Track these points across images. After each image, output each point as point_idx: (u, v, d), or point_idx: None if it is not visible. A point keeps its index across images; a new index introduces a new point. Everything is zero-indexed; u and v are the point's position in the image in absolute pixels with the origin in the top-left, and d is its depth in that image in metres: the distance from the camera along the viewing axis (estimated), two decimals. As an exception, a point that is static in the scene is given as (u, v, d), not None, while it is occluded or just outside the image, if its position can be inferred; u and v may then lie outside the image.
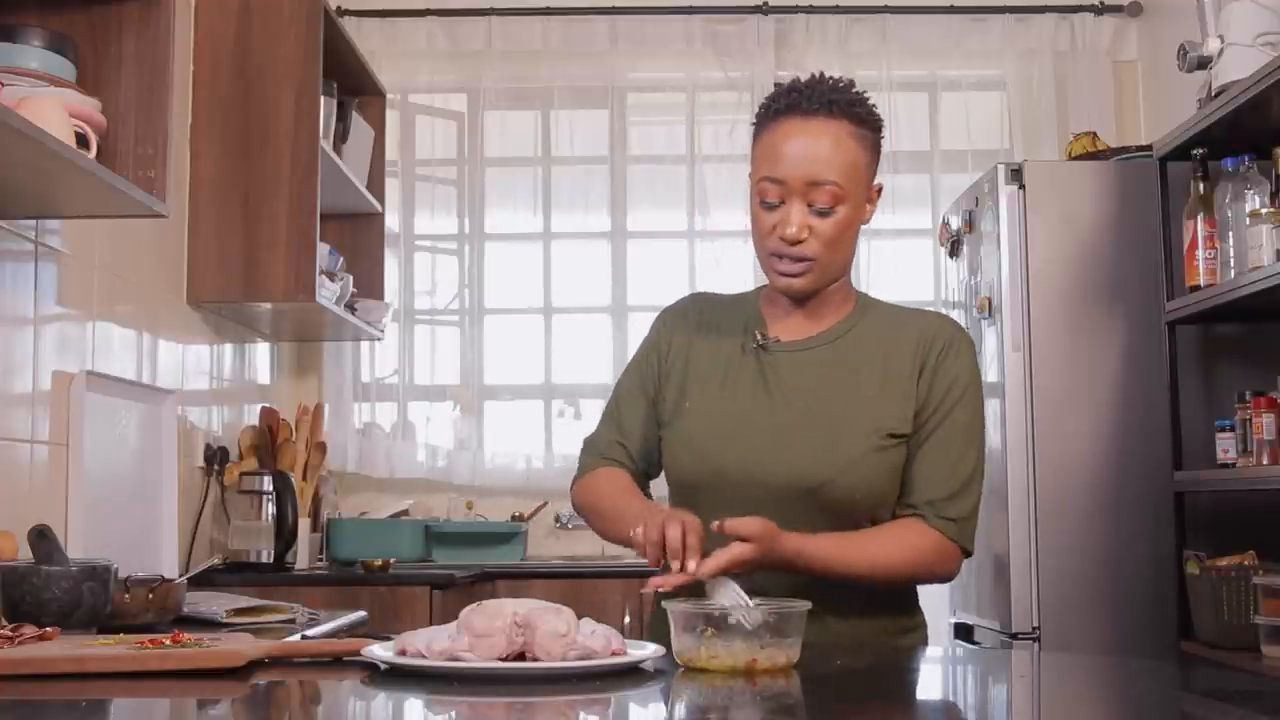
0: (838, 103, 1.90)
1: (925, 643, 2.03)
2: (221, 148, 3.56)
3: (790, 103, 1.91)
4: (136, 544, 3.03)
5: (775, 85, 1.99)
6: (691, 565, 1.70)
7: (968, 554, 1.95)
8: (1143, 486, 3.51)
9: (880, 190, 1.99)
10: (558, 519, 4.48)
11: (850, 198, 1.90)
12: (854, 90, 1.94)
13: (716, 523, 1.75)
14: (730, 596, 1.67)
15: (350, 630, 2.52)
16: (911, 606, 2.03)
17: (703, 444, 1.95)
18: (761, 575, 1.79)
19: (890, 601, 1.99)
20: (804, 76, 1.96)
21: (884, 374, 1.95)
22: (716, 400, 1.98)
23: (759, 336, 2.00)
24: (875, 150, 1.95)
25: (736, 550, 1.73)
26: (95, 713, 1.43)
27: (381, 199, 4.26)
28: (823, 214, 1.89)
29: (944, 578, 1.97)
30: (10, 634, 1.72)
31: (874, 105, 1.96)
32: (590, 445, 2.10)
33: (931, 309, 2.17)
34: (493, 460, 4.52)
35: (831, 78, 1.95)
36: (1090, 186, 3.62)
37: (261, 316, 3.82)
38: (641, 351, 2.11)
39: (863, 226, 1.96)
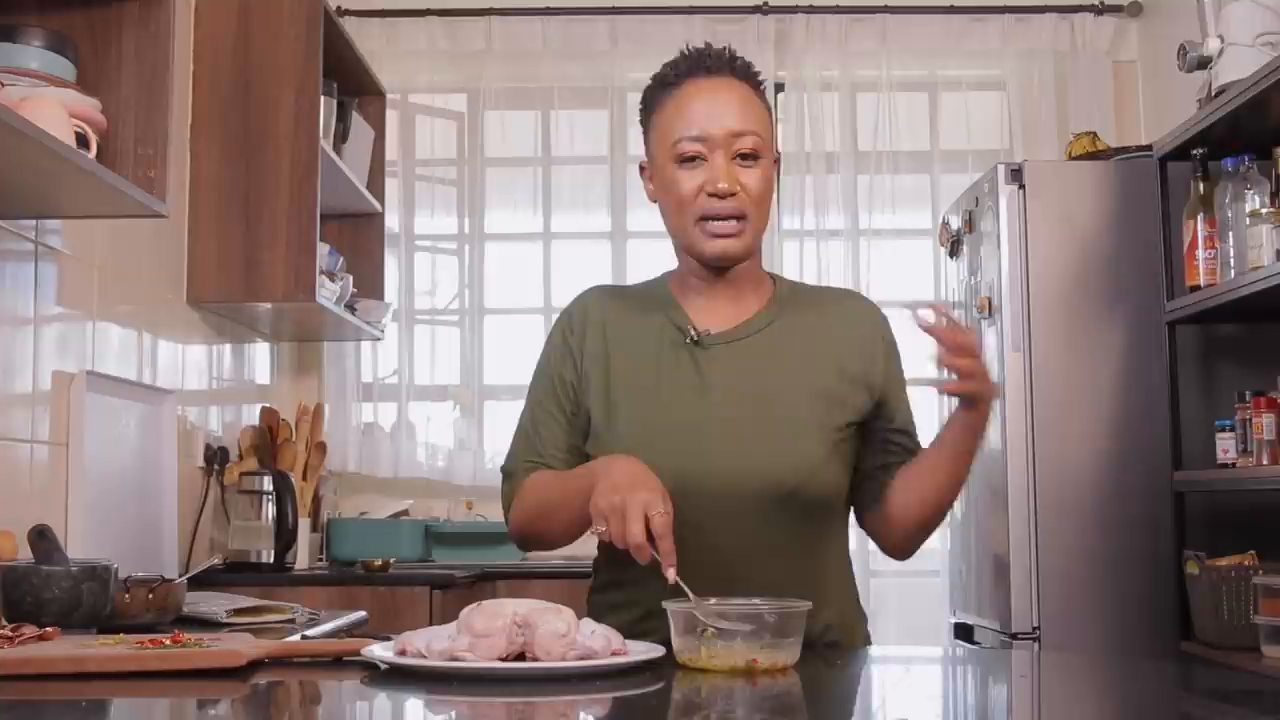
0: (737, 65, 1.87)
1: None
2: (221, 148, 3.56)
3: (692, 64, 1.86)
4: (136, 544, 3.03)
5: (662, 66, 1.91)
6: (670, 575, 1.62)
7: None
8: (1143, 486, 3.51)
9: (779, 160, 1.94)
10: (558, 519, 4.47)
11: (766, 151, 1.85)
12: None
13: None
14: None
15: (350, 630, 2.53)
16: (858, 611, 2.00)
17: (655, 453, 1.77)
18: (754, 575, 1.78)
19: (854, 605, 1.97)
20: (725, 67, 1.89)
21: (828, 364, 1.89)
22: (654, 404, 1.85)
23: (693, 331, 1.89)
24: (772, 120, 1.92)
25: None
26: (95, 713, 1.43)
27: (381, 199, 4.26)
28: (747, 162, 1.83)
29: None
30: (10, 634, 1.72)
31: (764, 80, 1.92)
32: (510, 475, 1.95)
33: (844, 288, 2.11)
34: (493, 460, 4.51)
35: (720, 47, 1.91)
36: (1090, 186, 3.62)
37: (261, 316, 3.82)
38: (550, 362, 1.94)
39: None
